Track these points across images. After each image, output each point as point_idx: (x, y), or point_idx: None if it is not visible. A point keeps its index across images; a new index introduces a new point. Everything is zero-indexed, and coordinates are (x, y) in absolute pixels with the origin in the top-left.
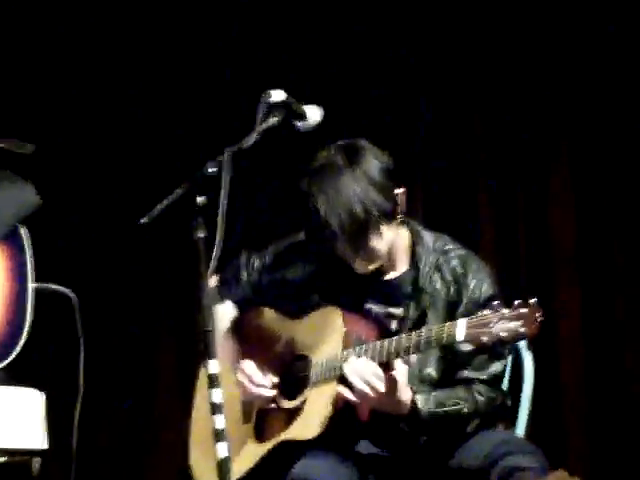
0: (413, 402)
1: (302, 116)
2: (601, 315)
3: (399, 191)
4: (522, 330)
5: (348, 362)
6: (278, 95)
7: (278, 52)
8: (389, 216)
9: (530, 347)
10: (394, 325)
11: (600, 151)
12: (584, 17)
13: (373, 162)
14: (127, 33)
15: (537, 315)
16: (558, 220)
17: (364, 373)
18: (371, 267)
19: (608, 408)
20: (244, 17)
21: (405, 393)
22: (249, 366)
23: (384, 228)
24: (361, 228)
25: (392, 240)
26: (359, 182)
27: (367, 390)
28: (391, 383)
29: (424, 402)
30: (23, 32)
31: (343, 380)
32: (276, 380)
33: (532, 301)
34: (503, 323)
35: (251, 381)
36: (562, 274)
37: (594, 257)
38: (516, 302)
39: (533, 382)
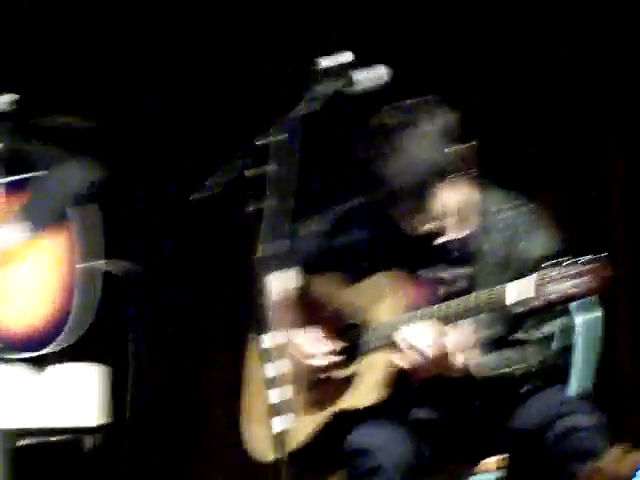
0: (465, 367)
1: (352, 82)
2: None
3: (466, 146)
4: (591, 285)
5: (399, 329)
6: (328, 61)
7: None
8: (449, 173)
9: (599, 303)
10: (450, 288)
11: None
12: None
13: (431, 120)
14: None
15: (606, 271)
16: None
17: (413, 339)
18: (427, 228)
19: None
20: None
21: (456, 359)
22: (300, 336)
23: (445, 186)
24: (419, 188)
25: (456, 198)
26: (415, 142)
27: (416, 356)
28: (441, 349)
29: (476, 366)
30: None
31: (396, 346)
32: (327, 349)
33: (600, 256)
34: (572, 279)
35: (302, 351)
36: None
37: None
38: (584, 258)
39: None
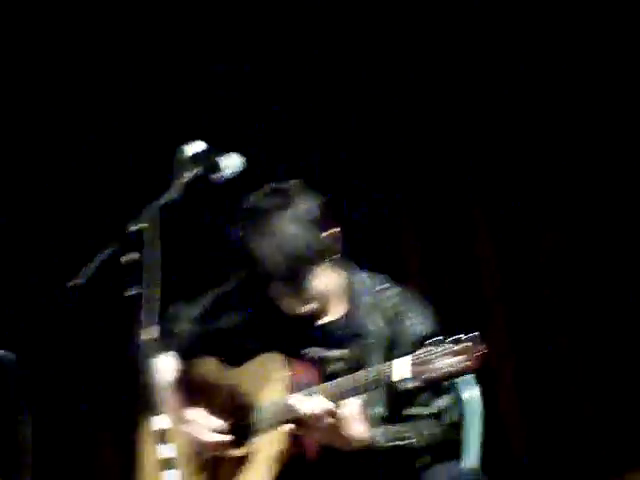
0: (360, 438)
1: (216, 168)
2: (531, 347)
3: (333, 230)
4: (467, 364)
5: (297, 399)
6: (191, 149)
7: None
8: (322, 257)
9: (476, 380)
10: (335, 367)
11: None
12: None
13: (303, 205)
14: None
15: (480, 348)
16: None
17: (314, 407)
18: (305, 309)
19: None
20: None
21: (357, 427)
22: (197, 414)
23: (317, 269)
24: (295, 270)
25: (327, 281)
26: (290, 224)
27: (312, 425)
28: (343, 418)
29: (377, 436)
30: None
31: (286, 425)
32: (219, 427)
33: (473, 335)
34: (447, 358)
35: (200, 429)
36: (491, 309)
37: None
38: (458, 336)
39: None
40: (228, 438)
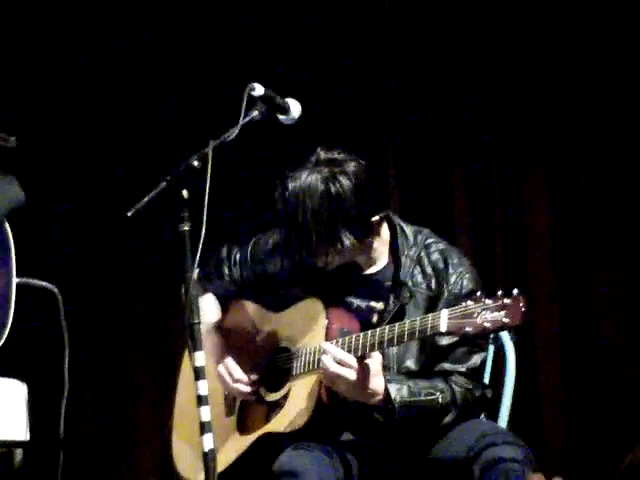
0: (386, 391)
1: (285, 109)
2: (577, 306)
3: (376, 218)
4: (506, 320)
5: (325, 354)
6: (262, 88)
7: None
8: (374, 210)
9: (514, 338)
10: (375, 318)
11: (575, 139)
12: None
13: (354, 161)
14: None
15: (521, 305)
16: (533, 208)
17: (334, 362)
18: (337, 263)
19: (585, 401)
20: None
21: (378, 382)
22: (229, 359)
23: (371, 221)
24: (351, 221)
25: (376, 234)
26: (346, 178)
27: (337, 376)
28: (363, 371)
29: (397, 392)
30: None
31: (323, 371)
32: (255, 376)
33: (515, 291)
34: (487, 313)
35: (230, 375)
36: (537, 264)
37: (569, 246)
38: (499, 292)
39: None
40: (249, 390)
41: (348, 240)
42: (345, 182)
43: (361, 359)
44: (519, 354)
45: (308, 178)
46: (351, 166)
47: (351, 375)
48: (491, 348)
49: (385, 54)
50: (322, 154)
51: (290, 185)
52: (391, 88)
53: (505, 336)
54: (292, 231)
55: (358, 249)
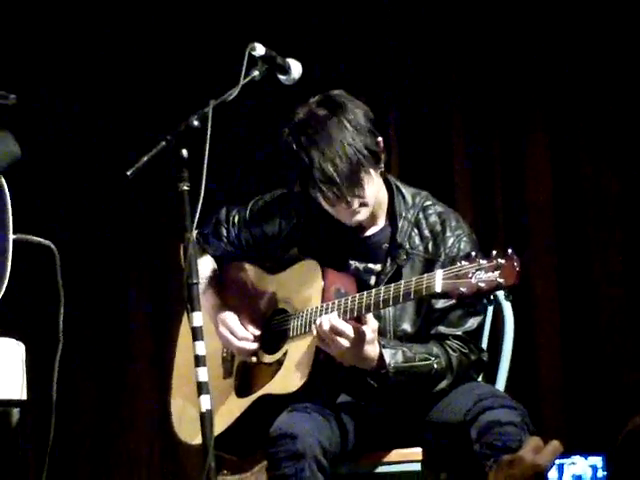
0: (380, 356)
1: (286, 70)
2: (577, 273)
3: (380, 138)
4: (501, 280)
5: (322, 315)
6: (262, 48)
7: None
8: (377, 159)
9: (509, 298)
10: (372, 280)
11: (576, 106)
12: None
13: (354, 110)
14: None
15: (515, 265)
16: (536, 175)
17: (328, 326)
18: (360, 218)
19: (584, 364)
20: None
21: (372, 348)
22: (231, 319)
23: (373, 172)
24: (355, 170)
25: (377, 189)
26: (345, 128)
27: (331, 341)
28: (358, 336)
29: (391, 357)
30: None
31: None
32: (257, 333)
33: (509, 251)
34: (481, 274)
35: (233, 334)
36: (538, 228)
37: (570, 212)
38: (493, 252)
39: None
40: (254, 348)
41: (371, 168)
42: (356, 110)
43: (357, 321)
44: (517, 318)
45: (319, 111)
46: (351, 104)
47: (345, 342)
48: (490, 311)
49: (385, 15)
50: (319, 97)
51: (307, 141)
52: (390, 48)
53: (502, 297)
54: (311, 175)
55: (377, 187)
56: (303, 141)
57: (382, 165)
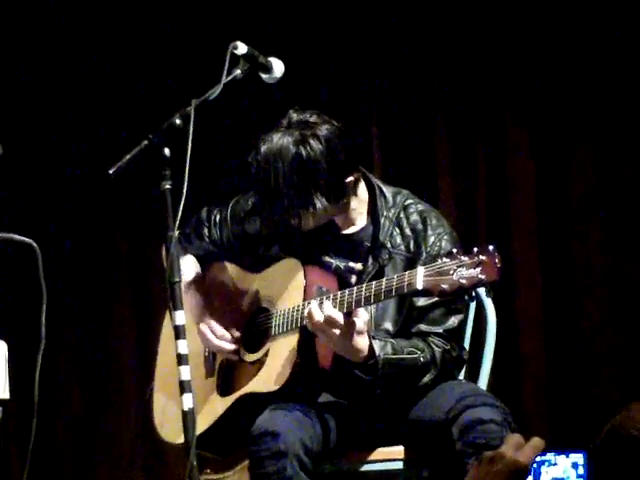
0: (370, 347)
1: (268, 68)
2: (559, 270)
3: (350, 179)
4: (482, 277)
5: (307, 307)
6: (245, 46)
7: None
8: (356, 165)
9: (490, 295)
10: (353, 279)
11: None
12: None
13: (331, 121)
14: None
15: (496, 261)
16: (518, 173)
17: (320, 315)
18: (313, 224)
19: (567, 363)
20: None
21: (362, 340)
22: (212, 318)
23: (352, 178)
24: (334, 176)
25: (357, 192)
26: (327, 133)
27: (321, 331)
28: (349, 327)
29: (381, 348)
30: None
31: (304, 331)
32: (238, 334)
33: (490, 248)
34: (462, 270)
35: (212, 332)
36: (520, 226)
37: (553, 209)
38: (474, 249)
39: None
40: (233, 347)
41: (320, 203)
42: (316, 146)
43: (347, 315)
44: (499, 315)
45: (279, 141)
46: (323, 129)
47: (336, 331)
48: (472, 309)
49: (367, 18)
50: (294, 116)
51: (262, 148)
52: (372, 49)
53: (483, 295)
54: (264, 195)
55: (334, 211)
56: (262, 170)
57: (361, 169)
